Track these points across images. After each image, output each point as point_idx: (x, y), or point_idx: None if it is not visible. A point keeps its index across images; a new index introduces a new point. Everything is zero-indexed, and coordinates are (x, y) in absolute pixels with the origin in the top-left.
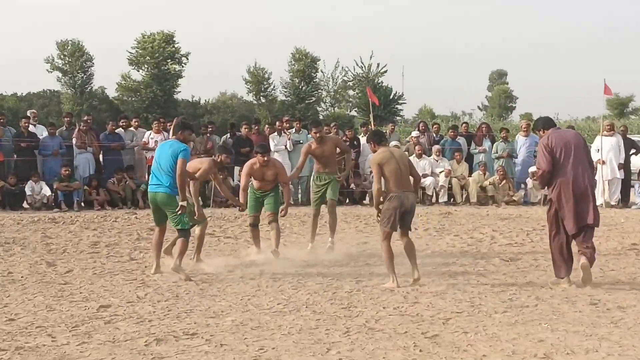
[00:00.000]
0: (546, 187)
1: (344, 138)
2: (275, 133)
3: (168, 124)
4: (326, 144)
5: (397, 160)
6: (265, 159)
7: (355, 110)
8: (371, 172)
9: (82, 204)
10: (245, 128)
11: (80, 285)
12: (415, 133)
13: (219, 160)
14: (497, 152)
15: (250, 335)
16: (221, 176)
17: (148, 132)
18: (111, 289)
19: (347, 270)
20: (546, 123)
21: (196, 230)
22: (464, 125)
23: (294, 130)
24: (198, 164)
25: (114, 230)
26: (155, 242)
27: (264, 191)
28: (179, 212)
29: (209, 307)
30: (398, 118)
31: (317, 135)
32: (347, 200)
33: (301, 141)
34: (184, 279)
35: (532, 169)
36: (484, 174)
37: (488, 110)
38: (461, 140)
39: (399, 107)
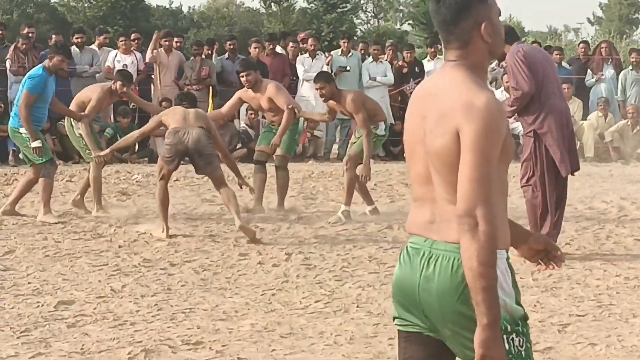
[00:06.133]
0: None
1: (399, 63)
2: (307, 55)
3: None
4: (262, 94)
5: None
6: (248, 78)
7: (410, 24)
8: None
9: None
10: (255, 47)
11: (27, 272)
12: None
13: (114, 88)
14: (624, 85)
15: (280, 345)
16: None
17: (113, 53)
18: (73, 277)
19: None
20: (507, 35)
21: (90, 172)
22: (581, 46)
23: (340, 52)
24: (89, 93)
25: (69, 193)
26: (22, 182)
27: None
28: (35, 154)
29: (216, 305)
30: None
31: (245, 79)
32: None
33: (348, 67)
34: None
35: (497, 95)
36: (605, 116)
37: (603, 25)
38: (569, 67)
39: None
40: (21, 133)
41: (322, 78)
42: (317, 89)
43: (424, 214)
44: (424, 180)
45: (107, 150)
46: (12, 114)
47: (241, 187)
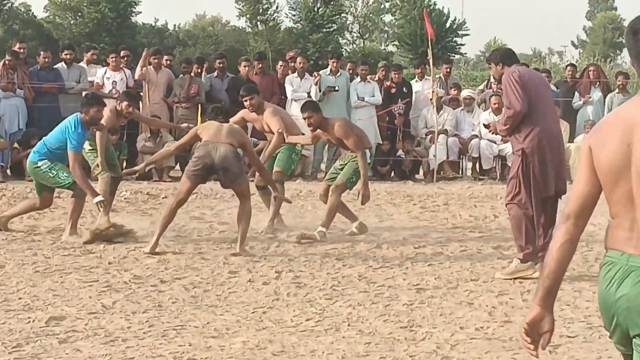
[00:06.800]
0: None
1: (388, 84)
2: (296, 74)
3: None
4: (263, 117)
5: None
6: (252, 102)
7: (395, 45)
8: (427, 134)
9: (9, 171)
10: (245, 66)
11: (17, 287)
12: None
13: (119, 108)
14: (611, 108)
15: None
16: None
17: (102, 70)
18: (63, 293)
19: (400, 272)
20: (507, 57)
21: (98, 185)
22: (568, 69)
23: (328, 71)
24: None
25: (57, 210)
26: (25, 203)
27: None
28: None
29: (207, 322)
30: (457, 56)
31: (248, 104)
32: (393, 174)
33: (337, 87)
34: (86, 241)
35: (485, 117)
36: None
37: (587, 48)
38: (556, 89)
39: (459, 40)
40: (40, 167)
41: (310, 107)
42: (304, 119)
43: (623, 230)
44: (627, 201)
45: (142, 165)
46: (34, 150)
47: (275, 200)
